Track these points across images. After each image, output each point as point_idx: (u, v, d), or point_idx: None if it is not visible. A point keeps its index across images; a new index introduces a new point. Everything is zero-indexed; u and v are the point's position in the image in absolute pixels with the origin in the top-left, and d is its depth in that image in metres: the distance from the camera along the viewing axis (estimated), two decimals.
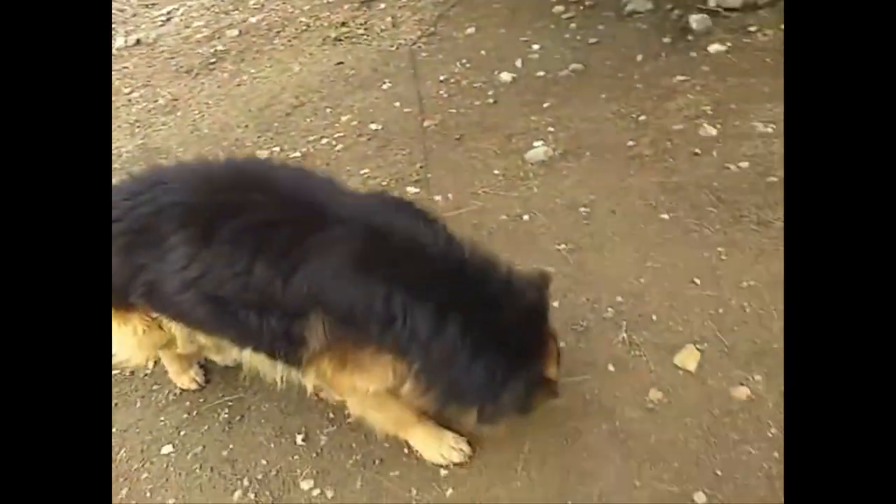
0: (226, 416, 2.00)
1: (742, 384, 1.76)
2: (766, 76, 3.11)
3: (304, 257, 1.38)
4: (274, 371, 1.65)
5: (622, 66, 3.62)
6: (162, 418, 2.02)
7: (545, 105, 3.41)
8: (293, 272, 1.38)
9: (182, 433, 1.96)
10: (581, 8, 4.47)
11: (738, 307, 1.99)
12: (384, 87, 3.98)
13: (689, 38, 3.66)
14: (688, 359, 1.85)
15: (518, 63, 3.95)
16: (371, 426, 1.71)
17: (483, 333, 1.41)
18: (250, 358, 1.62)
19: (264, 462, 1.84)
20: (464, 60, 4.14)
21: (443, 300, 1.39)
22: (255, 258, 1.39)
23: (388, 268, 1.40)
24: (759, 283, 2.06)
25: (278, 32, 4.85)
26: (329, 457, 1.82)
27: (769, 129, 2.73)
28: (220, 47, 4.67)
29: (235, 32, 4.88)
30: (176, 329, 1.68)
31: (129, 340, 1.71)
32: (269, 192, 1.48)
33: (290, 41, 4.77)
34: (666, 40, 3.73)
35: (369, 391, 1.53)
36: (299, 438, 1.89)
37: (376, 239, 1.42)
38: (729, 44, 3.48)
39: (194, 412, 2.02)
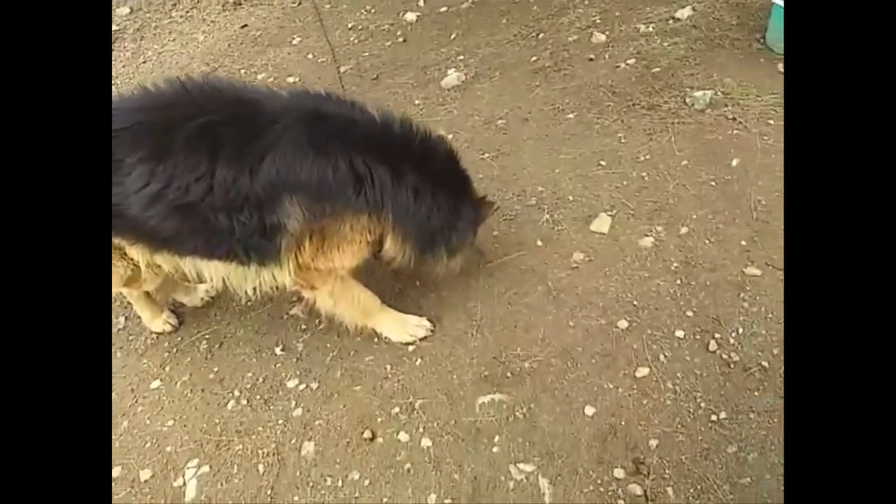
0: (205, 346, 2.16)
1: (647, 235, 2.10)
2: None
3: (262, 149, 1.51)
4: (246, 280, 1.78)
5: None
6: (144, 361, 2.15)
7: (452, 36, 3.60)
8: (257, 164, 1.50)
9: (167, 368, 2.11)
10: None
11: (638, 177, 2.32)
12: (294, 42, 4.04)
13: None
14: (601, 224, 2.17)
15: (420, 2, 4.10)
16: (341, 320, 1.92)
17: (432, 178, 1.67)
18: (221, 271, 1.74)
19: (250, 374, 2.03)
20: (368, 7, 4.24)
21: (394, 157, 1.60)
22: (215, 159, 1.48)
23: (339, 141, 1.56)
24: (653, 156, 2.39)
25: (174, 5, 4.74)
26: (308, 358, 2.03)
27: (650, 29, 3.05)
28: (114, 27, 4.53)
29: (126, 10, 4.73)
30: (140, 256, 1.74)
31: None
32: (211, 100, 1.58)
33: (188, 12, 4.68)
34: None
35: (347, 268, 1.74)
36: (278, 350, 2.09)
37: (318, 121, 1.58)
38: None
39: (174, 350, 2.17)
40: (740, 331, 1.74)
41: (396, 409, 1.81)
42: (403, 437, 1.74)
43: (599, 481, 1.52)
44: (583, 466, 1.56)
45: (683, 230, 2.07)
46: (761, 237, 1.97)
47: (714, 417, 1.57)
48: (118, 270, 1.81)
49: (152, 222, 1.54)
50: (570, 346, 1.83)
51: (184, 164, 1.49)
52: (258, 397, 1.97)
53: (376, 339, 2.03)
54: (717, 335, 1.75)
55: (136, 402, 2.04)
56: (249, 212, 1.53)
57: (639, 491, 1.48)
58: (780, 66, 2.61)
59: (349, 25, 4.08)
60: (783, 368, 1.61)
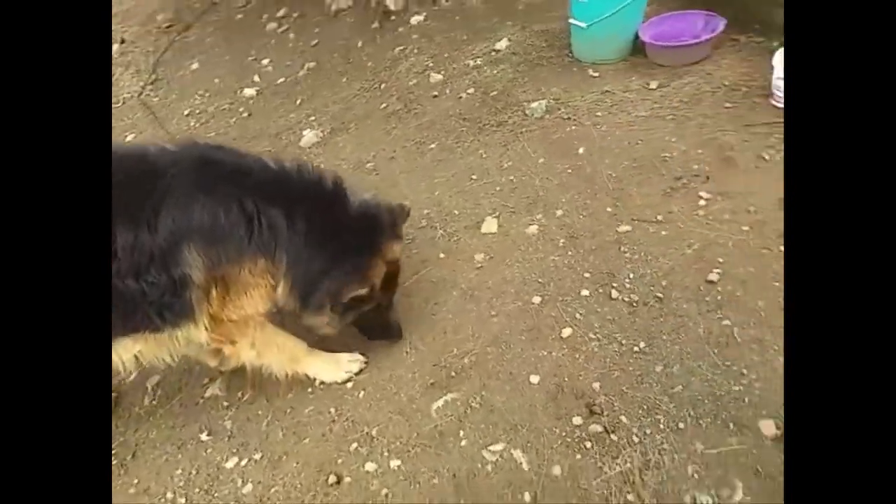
0: (114, 462, 1.94)
1: (531, 224, 2.33)
2: (460, 29, 3.87)
3: (157, 202, 1.48)
4: (161, 348, 1.70)
5: (348, 54, 4.11)
6: None
7: (297, 102, 3.74)
8: (154, 219, 1.47)
9: None
10: (292, 19, 4.88)
11: (507, 181, 2.59)
12: (129, 139, 3.90)
13: (393, 17, 4.31)
14: (490, 226, 2.37)
15: (256, 78, 4.21)
16: (269, 371, 1.87)
17: (325, 223, 1.64)
18: (136, 346, 1.64)
19: (179, 472, 1.86)
20: (200, 92, 4.25)
21: (288, 200, 1.60)
22: (113, 224, 1.43)
23: (230, 184, 1.56)
24: (513, 162, 2.69)
25: None
26: (241, 433, 1.93)
27: (478, 62, 3.45)
28: None
29: None
30: None
31: None
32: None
33: None
34: (375, 25, 4.33)
35: (262, 314, 1.71)
36: (204, 436, 1.95)
37: (208, 166, 1.58)
38: (425, 13, 4.20)
39: None
40: (631, 276, 2.01)
41: (354, 445, 1.79)
42: (370, 466, 1.72)
43: (563, 433, 1.64)
44: (546, 427, 1.67)
45: (559, 213, 2.34)
46: (621, 201, 2.30)
47: (636, 349, 1.79)
48: None
49: None
50: (499, 332, 1.97)
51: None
52: (196, 490, 1.83)
53: (310, 389, 2.00)
54: (614, 285, 1.99)
55: None
56: (156, 270, 1.49)
57: (599, 428, 1.63)
58: (591, 71, 3.10)
59: (185, 112, 4.05)
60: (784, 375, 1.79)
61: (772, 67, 2.51)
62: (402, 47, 3.93)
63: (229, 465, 1.86)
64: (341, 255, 1.67)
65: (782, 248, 1.93)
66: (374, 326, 1.91)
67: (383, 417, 1.83)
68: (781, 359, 1.65)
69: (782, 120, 2.40)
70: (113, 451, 1.99)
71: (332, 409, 1.90)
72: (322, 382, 1.98)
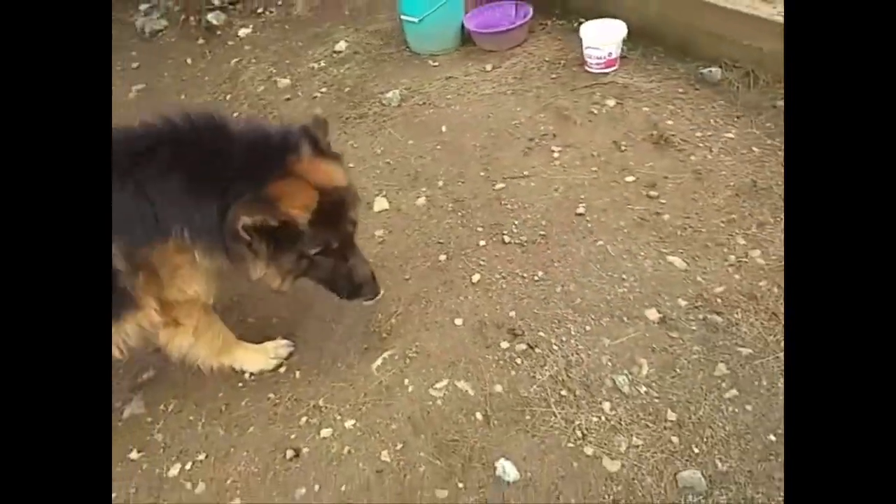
0: None
1: (419, 197, 2.52)
2: (294, 37, 3.94)
3: None
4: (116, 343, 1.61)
5: (179, 72, 3.95)
6: None
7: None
8: None
9: None
10: None
11: (385, 164, 2.75)
12: None
13: (218, 32, 4.22)
14: (381, 204, 2.52)
15: None
16: (195, 360, 1.81)
17: (205, 177, 1.46)
18: None
19: (114, 495, 1.73)
20: None
21: (162, 169, 1.44)
22: None
23: (116, 171, 1.37)
24: (385, 147, 2.86)
25: None
26: (176, 441, 1.85)
27: (322, 63, 3.57)
28: None
29: None
30: None
31: None
32: None
33: None
34: (201, 41, 4.20)
35: (206, 295, 1.67)
36: (134, 454, 1.84)
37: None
38: (251, 25, 4.19)
39: None
40: (516, 223, 2.30)
41: (304, 419, 1.83)
42: (326, 432, 1.78)
43: (496, 357, 1.86)
44: (479, 356, 1.87)
45: (440, 183, 2.57)
46: (490, 165, 2.60)
47: (536, 277, 2.07)
48: None
49: None
50: (416, 291, 2.13)
51: None
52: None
53: (241, 383, 1.98)
54: (504, 233, 2.27)
55: None
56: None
57: (523, 346, 1.87)
58: (430, 62, 3.40)
59: None
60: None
61: (580, 40, 3.01)
62: (237, 59, 3.89)
63: (172, 472, 1.78)
64: (234, 189, 1.45)
65: (628, 179, 2.37)
66: (339, 281, 1.71)
67: (326, 389, 1.89)
68: (648, 262, 2.05)
69: (600, 82, 2.91)
70: None
71: (271, 395, 1.91)
72: (251, 375, 1.97)
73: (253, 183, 1.45)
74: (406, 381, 1.86)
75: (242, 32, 4.16)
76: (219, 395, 1.95)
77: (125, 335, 1.63)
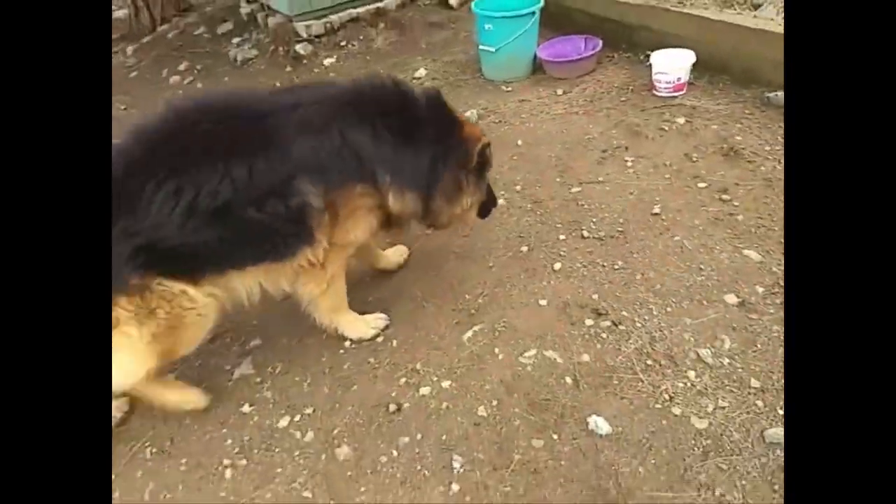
0: (153, 452, 1.93)
1: (498, 199, 2.73)
2: (375, 65, 4.31)
3: (265, 141, 1.63)
4: (281, 277, 1.84)
5: None
6: None
7: None
8: (265, 154, 1.62)
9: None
10: (196, 72, 5.00)
11: None
12: None
13: (305, 61, 4.64)
14: None
15: None
16: (314, 312, 2.05)
17: (412, 128, 1.77)
18: (258, 276, 1.78)
19: (229, 441, 1.91)
20: None
21: (369, 120, 1.74)
22: (229, 159, 1.57)
23: (321, 118, 1.71)
24: None
25: None
26: (284, 396, 2.02)
27: None
28: None
29: None
30: (179, 292, 1.64)
31: (129, 347, 1.59)
32: (203, 111, 1.69)
33: None
34: (289, 69, 4.62)
35: (360, 241, 1.93)
36: (246, 408, 2.01)
37: (301, 106, 1.73)
38: (336, 55, 4.59)
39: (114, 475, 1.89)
40: (593, 221, 2.47)
41: (403, 380, 1.99)
42: (425, 390, 1.93)
43: (581, 333, 2.00)
44: (566, 332, 2.02)
45: (518, 187, 2.78)
46: (566, 172, 2.80)
47: (616, 266, 2.22)
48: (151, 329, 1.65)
49: (193, 238, 1.56)
50: (500, 276, 2.30)
51: (204, 171, 1.56)
52: (255, 451, 1.89)
53: (342, 350, 2.16)
54: (583, 229, 2.44)
55: None
56: (274, 200, 1.63)
57: (608, 323, 2.01)
58: (504, 87, 3.67)
59: None
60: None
61: (648, 68, 3.23)
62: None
63: (282, 424, 1.94)
64: (438, 139, 1.82)
65: (700, 185, 2.52)
66: (489, 203, 2.15)
67: (421, 355, 2.06)
68: (724, 255, 2.18)
69: (668, 104, 3.11)
70: (144, 443, 1.97)
71: (371, 360, 2.08)
72: (351, 342, 2.15)
73: (450, 134, 1.86)
74: (496, 349, 2.01)
75: (327, 62, 4.56)
76: (322, 360, 2.14)
77: (285, 275, 1.84)
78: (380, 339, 2.16)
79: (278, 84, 4.43)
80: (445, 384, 1.93)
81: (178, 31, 5.78)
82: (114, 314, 1.57)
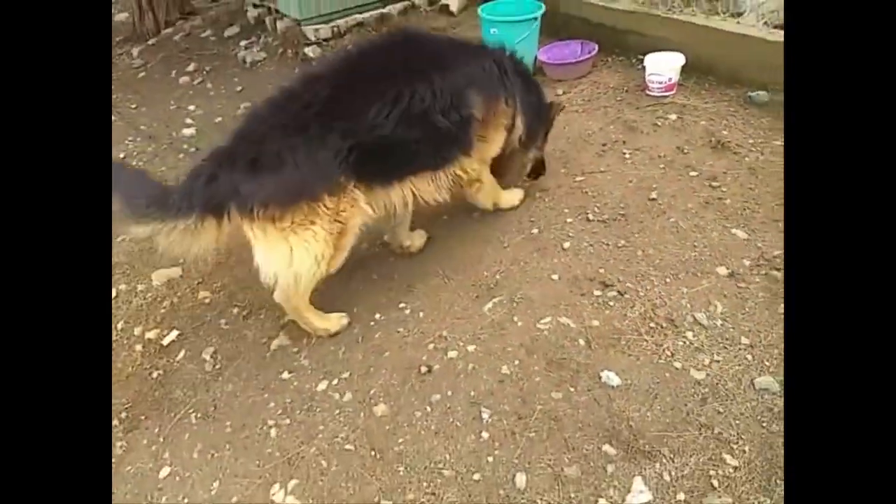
0: (199, 414, 2.12)
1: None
2: None
3: (446, 65, 2.19)
4: (438, 188, 2.28)
5: None
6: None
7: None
8: (449, 75, 2.16)
9: (165, 454, 2.03)
10: (205, 72, 5.18)
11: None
12: None
13: (314, 62, 4.84)
14: None
15: (189, 121, 4.44)
16: (478, 199, 2.61)
17: (528, 82, 2.55)
18: (419, 185, 2.23)
19: (272, 405, 2.11)
20: (130, 138, 4.33)
21: (505, 64, 2.39)
22: (426, 76, 2.09)
23: (483, 54, 2.40)
24: None
25: None
26: (321, 364, 2.23)
27: None
28: None
29: None
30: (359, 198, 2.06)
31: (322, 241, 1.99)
32: (402, 45, 2.31)
33: None
34: (298, 71, 4.81)
35: (493, 155, 2.44)
36: (285, 375, 2.22)
37: (468, 45, 2.50)
38: None
39: (162, 438, 2.08)
40: (597, 206, 2.71)
41: (431, 346, 2.20)
42: (452, 354, 2.15)
43: (591, 301, 2.23)
44: (577, 301, 2.25)
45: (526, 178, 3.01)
46: (569, 164, 3.04)
47: (619, 244, 2.46)
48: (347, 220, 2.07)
49: (402, 136, 2.02)
50: (514, 255, 2.53)
51: (415, 84, 2.06)
52: (297, 412, 2.09)
53: (373, 322, 2.36)
54: (588, 212, 2.68)
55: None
56: (455, 109, 2.13)
57: (614, 293, 2.25)
58: None
59: (121, 156, 4.13)
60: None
61: (641, 70, 3.50)
62: None
63: (321, 387, 2.15)
64: (539, 98, 2.60)
65: (692, 173, 2.78)
66: (536, 165, 2.79)
67: (447, 324, 2.27)
68: (715, 234, 2.43)
69: (660, 102, 3.37)
70: (188, 409, 2.17)
71: (400, 329, 2.30)
72: (381, 315, 2.36)
73: (543, 98, 2.70)
74: (515, 318, 2.24)
75: None
76: (354, 331, 2.34)
77: (439, 181, 2.27)
78: (407, 311, 2.37)
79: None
80: (471, 348, 2.15)
81: (184, 33, 5.96)
82: (316, 209, 1.93)
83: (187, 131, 4.27)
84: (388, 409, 2.02)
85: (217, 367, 2.34)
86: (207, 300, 2.69)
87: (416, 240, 2.64)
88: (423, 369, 2.11)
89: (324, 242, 1.98)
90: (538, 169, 2.80)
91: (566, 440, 1.80)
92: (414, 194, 2.22)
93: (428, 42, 2.43)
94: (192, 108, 4.65)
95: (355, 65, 2.21)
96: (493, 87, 2.28)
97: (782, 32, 3.24)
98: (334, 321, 2.30)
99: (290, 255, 1.93)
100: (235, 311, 2.59)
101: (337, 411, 2.06)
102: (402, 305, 2.40)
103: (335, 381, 2.16)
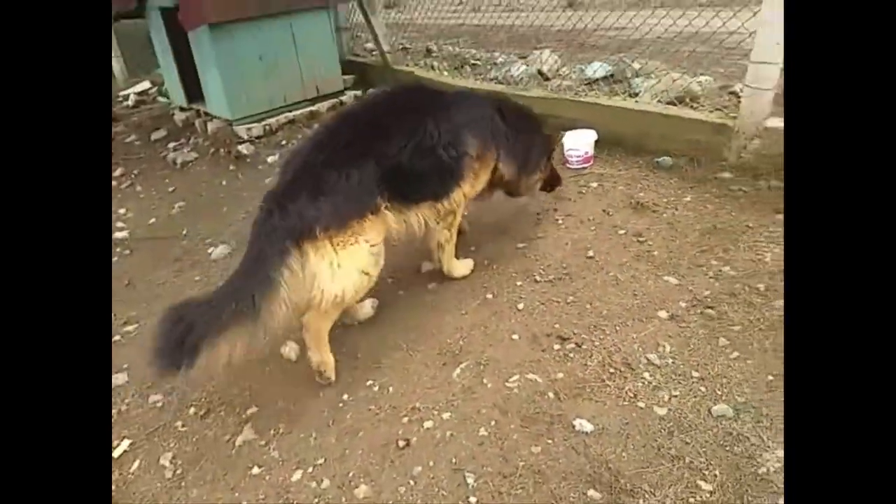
0: (238, 441, 1.99)
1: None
2: None
3: (446, 111, 2.49)
4: (439, 215, 2.59)
5: (216, 191, 4.58)
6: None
7: (184, 232, 4.03)
8: (449, 116, 2.46)
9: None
10: (134, 176, 5.15)
11: None
12: None
13: (248, 160, 4.95)
14: (426, 266, 3.09)
15: (120, 224, 4.35)
16: (440, 257, 2.84)
17: (516, 121, 2.76)
18: (425, 212, 2.50)
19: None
20: None
21: (496, 109, 2.68)
22: (431, 119, 2.40)
23: (476, 101, 2.66)
24: None
25: None
26: (292, 453, 2.18)
27: None
28: None
29: None
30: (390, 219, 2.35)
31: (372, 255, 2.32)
32: (410, 94, 2.66)
33: None
34: (232, 168, 4.90)
35: (475, 194, 2.73)
36: (255, 470, 2.15)
37: (460, 93, 2.75)
38: (278, 154, 4.95)
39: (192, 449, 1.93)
40: (542, 268, 2.91)
41: (405, 419, 2.22)
42: (428, 424, 2.17)
43: (552, 356, 2.35)
44: (540, 357, 2.36)
45: (472, 248, 3.19)
46: (509, 232, 3.26)
47: (568, 300, 2.64)
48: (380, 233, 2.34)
49: (416, 165, 2.32)
50: (473, 321, 2.64)
51: (426, 124, 2.38)
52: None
53: (342, 403, 2.36)
54: (535, 275, 2.87)
55: None
56: (452, 147, 2.44)
57: (572, 345, 2.39)
58: None
59: None
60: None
61: (561, 144, 3.88)
62: (269, 178, 4.57)
63: (296, 477, 2.08)
64: (534, 135, 2.89)
65: (620, 231, 3.06)
66: (550, 180, 3.17)
67: (418, 396, 2.31)
68: (650, 282, 2.67)
69: (580, 174, 3.73)
70: (230, 436, 2.02)
71: (371, 407, 2.30)
72: (350, 396, 2.37)
73: (542, 135, 2.99)
74: (484, 380, 2.31)
75: (270, 159, 4.90)
76: (324, 414, 2.32)
77: (440, 206, 2.54)
78: (376, 388, 2.39)
79: (224, 182, 4.70)
80: (446, 416, 2.19)
81: None
82: (359, 229, 2.20)
83: (119, 234, 4.17)
84: (370, 490, 1.99)
85: (178, 472, 2.21)
86: (160, 404, 2.57)
87: (368, 307, 2.75)
88: (401, 443, 2.11)
89: (364, 256, 2.25)
90: (552, 183, 3.21)
91: (552, 491, 1.85)
92: (425, 220, 2.53)
93: (437, 91, 2.70)
94: (122, 211, 4.57)
95: (379, 107, 2.56)
96: (486, 131, 2.60)
97: (675, 107, 3.74)
98: (329, 359, 2.49)
99: (338, 270, 2.19)
100: (192, 410, 2.49)
101: (316, 500, 2.00)
102: (369, 383, 2.42)
103: (310, 469, 2.11)
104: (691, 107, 3.77)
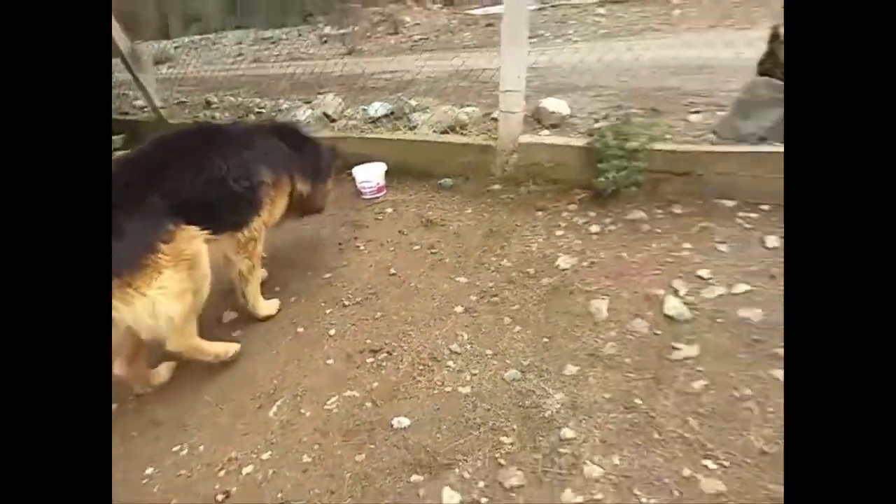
0: None
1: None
2: None
3: (241, 145, 2.58)
4: (238, 247, 2.65)
5: None
6: None
7: None
8: (241, 151, 2.55)
9: None
10: None
11: None
12: None
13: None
14: (229, 316, 3.00)
15: None
16: (244, 288, 2.82)
17: (303, 146, 2.97)
18: (225, 245, 2.59)
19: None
20: None
21: (287, 141, 2.86)
22: (223, 152, 2.47)
23: (265, 134, 2.79)
24: None
25: None
26: None
27: None
28: None
29: None
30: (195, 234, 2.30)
31: (173, 287, 2.21)
32: (205, 131, 2.70)
33: None
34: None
35: (273, 220, 2.84)
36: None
37: (255, 128, 2.88)
38: None
39: None
40: (349, 292, 3.01)
41: (222, 472, 2.12)
42: (247, 469, 2.10)
43: (367, 369, 2.44)
44: (356, 373, 2.43)
45: (276, 288, 3.18)
46: (314, 264, 3.32)
47: (375, 317, 2.77)
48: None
49: (205, 197, 2.34)
50: (287, 357, 2.63)
51: (213, 158, 2.43)
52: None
53: (145, 479, 2.18)
54: (343, 300, 2.95)
55: None
56: (245, 178, 2.51)
57: (384, 354, 2.51)
58: None
59: None
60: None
61: (352, 178, 4.08)
62: None
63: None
64: (316, 147, 3.10)
65: (415, 248, 3.30)
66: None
67: (234, 445, 2.22)
68: (445, 285, 2.92)
69: (375, 202, 3.95)
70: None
71: (182, 472, 2.15)
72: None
73: (327, 154, 3.20)
74: (302, 410, 2.31)
75: None
76: (123, 498, 2.11)
77: (240, 236, 2.61)
78: (184, 452, 2.24)
79: None
80: (265, 455, 2.14)
81: None
82: (156, 260, 2.12)
83: None
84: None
85: None
86: None
87: (163, 372, 2.61)
88: (220, 497, 2.01)
89: (178, 281, 2.18)
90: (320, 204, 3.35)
91: (379, 489, 1.91)
92: (225, 252, 2.61)
93: (223, 128, 2.76)
94: None
95: (161, 147, 2.48)
96: (278, 162, 2.75)
97: (448, 135, 4.18)
98: (227, 344, 2.64)
99: (154, 306, 2.12)
100: None
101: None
102: (176, 448, 2.26)
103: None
104: (461, 133, 4.23)
